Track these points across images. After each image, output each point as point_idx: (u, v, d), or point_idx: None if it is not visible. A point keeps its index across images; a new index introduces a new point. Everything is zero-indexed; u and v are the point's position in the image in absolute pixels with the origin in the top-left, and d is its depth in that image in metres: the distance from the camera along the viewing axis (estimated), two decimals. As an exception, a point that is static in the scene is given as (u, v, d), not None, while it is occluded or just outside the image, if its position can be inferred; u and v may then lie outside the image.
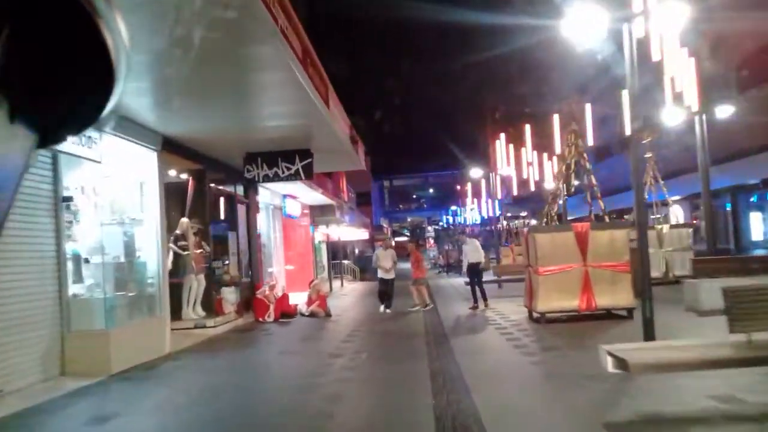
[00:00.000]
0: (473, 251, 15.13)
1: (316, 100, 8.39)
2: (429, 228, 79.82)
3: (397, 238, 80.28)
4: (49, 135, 0.68)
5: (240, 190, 14.84)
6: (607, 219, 12.77)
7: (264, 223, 17.68)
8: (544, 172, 29.70)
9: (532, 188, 35.18)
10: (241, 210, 14.59)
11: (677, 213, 25.55)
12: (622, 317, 11.93)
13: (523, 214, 64.33)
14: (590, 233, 11.97)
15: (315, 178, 17.90)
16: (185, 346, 10.87)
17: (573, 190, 12.49)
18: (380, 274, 15.45)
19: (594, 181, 12.49)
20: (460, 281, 31.83)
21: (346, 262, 37.69)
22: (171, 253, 12.61)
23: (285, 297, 15.23)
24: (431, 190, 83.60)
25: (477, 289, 15.06)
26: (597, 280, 11.91)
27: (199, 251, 13.19)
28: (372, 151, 52.96)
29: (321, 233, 29.22)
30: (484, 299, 15.11)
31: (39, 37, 0.64)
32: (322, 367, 8.59)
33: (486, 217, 57.50)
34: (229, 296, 13.62)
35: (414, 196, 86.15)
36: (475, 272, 15.10)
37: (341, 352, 9.75)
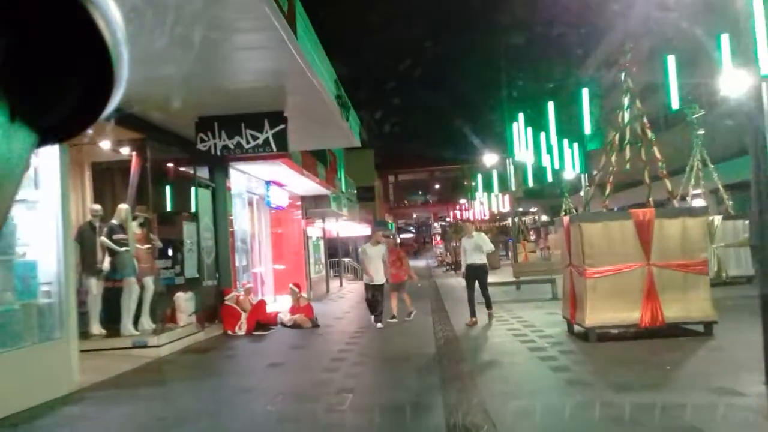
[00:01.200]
0: (474, 249, 11.49)
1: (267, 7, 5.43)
2: (435, 224, 76.87)
3: (402, 235, 77.51)
4: (49, 135, 0.67)
5: (204, 172, 11.90)
6: (675, 204, 9.77)
7: (240, 214, 14.77)
8: (566, 159, 26.65)
9: (549, 179, 32.16)
10: (204, 196, 11.63)
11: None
12: (696, 334, 8.98)
13: (533, 209, 61.24)
14: (655, 222, 8.99)
15: (305, 162, 14.97)
16: (110, 376, 7.97)
17: (628, 166, 9.44)
18: (365, 278, 12.01)
19: (658, 154, 9.49)
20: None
21: (346, 260, 34.87)
22: (106, 250, 9.77)
23: (261, 304, 12.31)
24: (437, 186, 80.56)
25: (482, 296, 11.73)
26: (665, 284, 8.95)
27: (145, 247, 10.29)
28: (376, 145, 50.15)
29: (318, 228, 26.39)
30: (488, 307, 11.77)
31: (39, 36, 0.63)
32: (282, 425, 5.66)
33: (496, 211, 54.60)
34: (185, 304, 10.70)
35: (420, 192, 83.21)
36: (476, 275, 11.63)
37: (318, 391, 6.81)
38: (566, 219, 9.86)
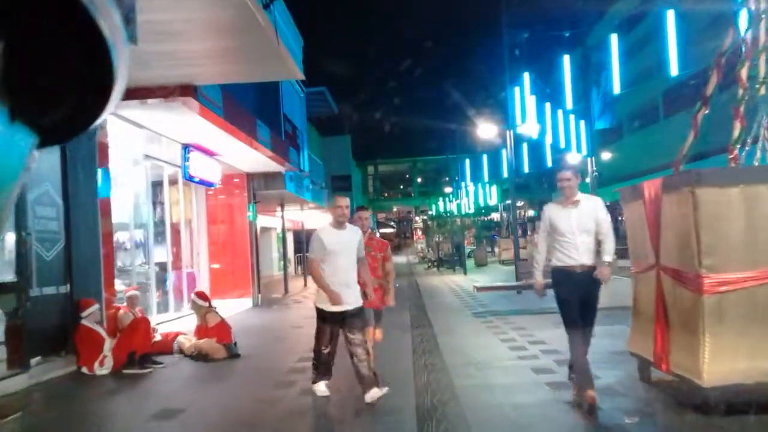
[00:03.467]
0: (581, 231, 5.26)
1: None
2: (417, 219, 72.79)
3: (382, 230, 73.33)
4: (49, 135, 0.66)
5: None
6: None
7: (135, 187, 10.28)
8: (571, 138, 22.37)
9: (548, 163, 27.95)
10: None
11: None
12: None
13: (519, 203, 57.24)
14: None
15: (231, 114, 10.45)
16: None
17: (764, 91, 5.06)
18: (319, 299, 5.76)
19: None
20: (459, 281, 24.27)
21: (314, 255, 30.44)
22: None
23: (139, 324, 7.79)
24: (420, 179, 76.24)
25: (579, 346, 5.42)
26: None
27: None
28: (354, 133, 45.97)
29: (278, 218, 21.98)
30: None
31: (39, 36, 0.63)
32: None
33: (482, 205, 50.75)
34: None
35: (401, 186, 78.97)
36: (584, 293, 5.34)
37: None
38: (651, 185, 5.49)
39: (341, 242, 5.65)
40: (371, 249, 6.09)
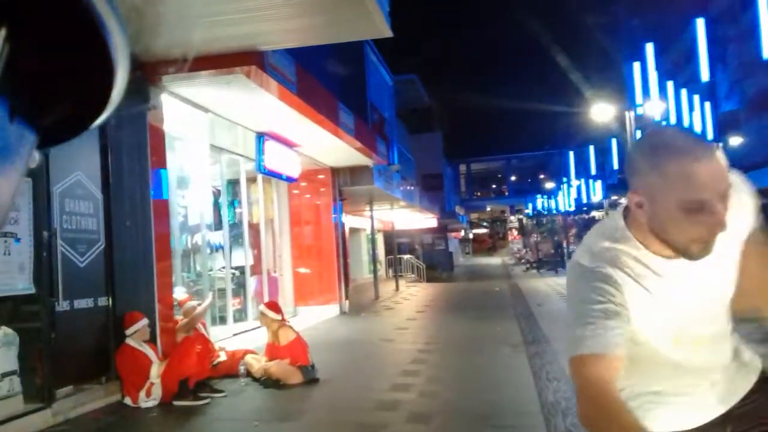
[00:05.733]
0: None
1: None
2: (512, 218, 69.95)
3: (475, 230, 71.01)
4: (49, 135, 0.63)
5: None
6: None
7: (198, 183, 8.99)
8: (694, 121, 19.51)
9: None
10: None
11: None
12: None
13: (622, 200, 53.47)
14: None
15: (309, 94, 8.93)
16: None
17: None
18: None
19: None
20: (565, 284, 21.68)
21: (406, 257, 28.97)
22: None
23: (195, 344, 6.33)
24: (513, 177, 73.24)
25: None
26: None
27: None
28: (445, 130, 44.17)
29: (366, 218, 20.60)
30: None
31: (39, 36, 0.60)
32: None
33: (584, 202, 47.56)
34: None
35: (494, 185, 76.32)
36: None
37: None
38: None
39: (691, 299, 1.46)
40: None
